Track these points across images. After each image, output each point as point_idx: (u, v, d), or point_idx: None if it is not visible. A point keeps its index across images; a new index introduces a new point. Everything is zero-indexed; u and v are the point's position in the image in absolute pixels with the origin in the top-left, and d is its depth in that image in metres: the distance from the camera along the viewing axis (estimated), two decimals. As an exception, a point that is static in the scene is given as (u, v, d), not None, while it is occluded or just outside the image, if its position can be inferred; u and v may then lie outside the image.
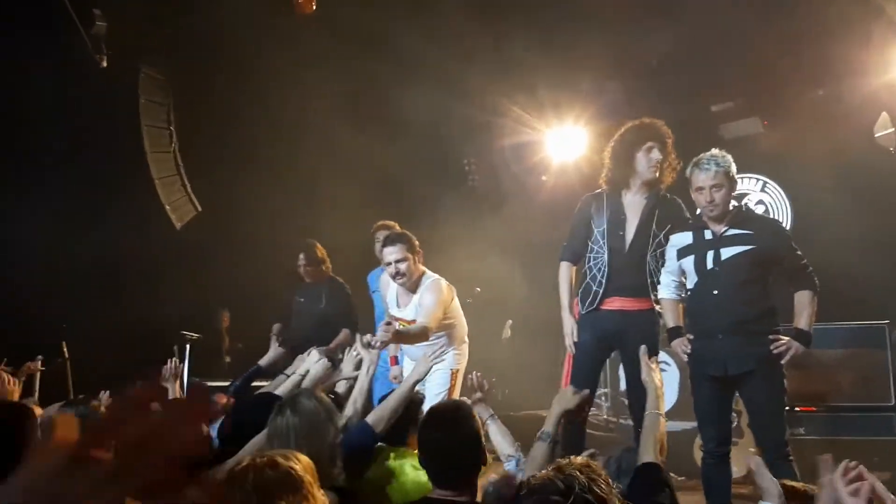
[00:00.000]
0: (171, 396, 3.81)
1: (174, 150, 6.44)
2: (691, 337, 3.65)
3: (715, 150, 3.54)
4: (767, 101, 7.13)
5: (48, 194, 5.67)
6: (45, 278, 5.54)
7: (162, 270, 5.91)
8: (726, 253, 3.50)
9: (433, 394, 4.12)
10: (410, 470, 2.70)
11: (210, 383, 5.06)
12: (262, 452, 1.94)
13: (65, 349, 5.60)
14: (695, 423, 5.84)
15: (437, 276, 4.32)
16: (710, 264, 3.51)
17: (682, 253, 3.64)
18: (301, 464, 1.84)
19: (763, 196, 7.21)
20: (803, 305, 3.48)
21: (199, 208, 6.50)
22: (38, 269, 5.56)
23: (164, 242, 6.19)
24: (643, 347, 3.08)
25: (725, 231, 3.52)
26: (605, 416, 6.43)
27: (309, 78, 6.28)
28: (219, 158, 6.44)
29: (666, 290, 3.76)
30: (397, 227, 5.11)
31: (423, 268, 4.26)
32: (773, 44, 6.54)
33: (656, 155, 3.76)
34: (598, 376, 4.07)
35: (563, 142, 7.66)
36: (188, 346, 5.26)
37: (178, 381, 3.91)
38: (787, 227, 7.04)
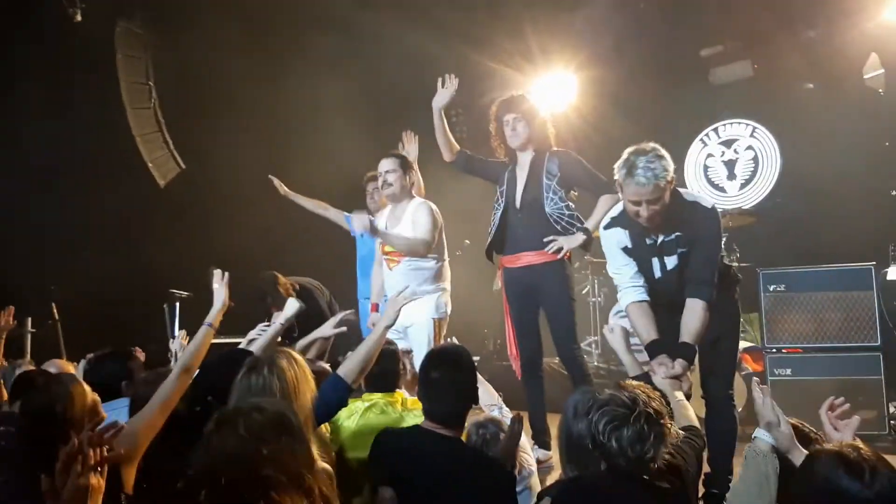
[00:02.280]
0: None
1: (154, 105, 6.30)
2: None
3: (650, 152, 2.90)
4: (758, 44, 7.03)
5: (27, 151, 5.56)
6: (29, 238, 5.48)
7: (148, 228, 5.85)
8: (671, 262, 3.11)
9: (419, 344, 4.12)
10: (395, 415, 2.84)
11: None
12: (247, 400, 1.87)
13: (55, 310, 5.57)
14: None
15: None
16: (657, 273, 3.15)
17: (628, 253, 3.21)
18: (294, 405, 1.83)
19: (752, 141, 7.16)
20: (694, 318, 2.99)
21: (183, 166, 6.39)
22: (22, 228, 5.49)
23: (148, 200, 6.10)
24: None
25: (664, 239, 3.09)
26: (595, 364, 6.50)
27: (291, 24, 6.13)
28: (201, 113, 6.29)
29: (629, 293, 3.20)
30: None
31: (413, 192, 4.36)
32: (763, -15, 6.43)
33: (517, 124, 4.10)
34: (536, 325, 4.25)
35: (552, 90, 7.54)
36: (178, 305, 5.23)
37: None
38: (776, 173, 7.04)
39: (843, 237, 5.57)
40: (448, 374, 2.48)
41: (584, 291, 7.10)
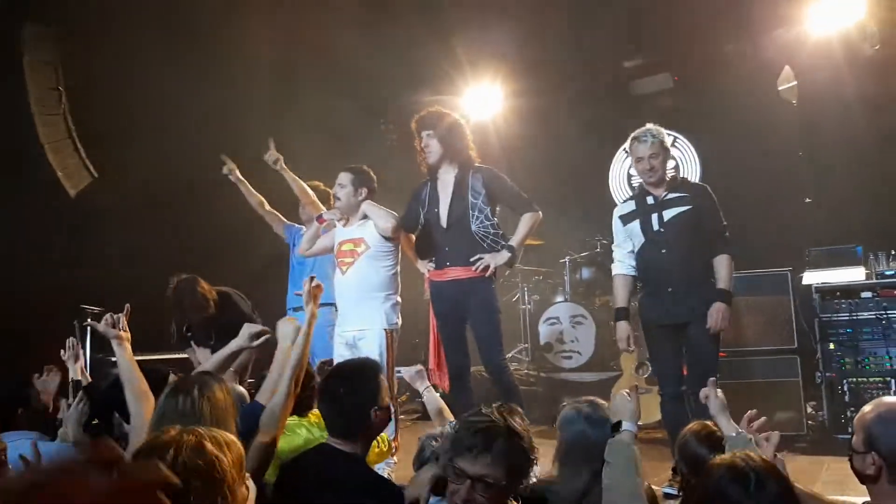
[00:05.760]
0: (71, 377, 3.62)
1: (64, 111, 5.98)
2: (634, 334, 4.15)
3: (650, 125, 4.01)
4: (678, 56, 7.24)
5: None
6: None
7: (56, 240, 5.53)
8: (668, 214, 3.93)
9: (371, 357, 3.99)
10: (305, 433, 2.80)
11: (114, 359, 4.80)
12: (192, 429, 1.67)
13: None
14: (609, 374, 6.07)
15: None
16: (655, 226, 3.95)
17: (627, 219, 4.08)
18: (231, 455, 1.62)
19: (673, 151, 7.33)
20: (722, 266, 3.88)
21: (95, 174, 6.08)
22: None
23: (56, 211, 5.77)
24: None
25: (665, 195, 3.95)
26: (525, 371, 6.51)
27: (214, 23, 5.93)
28: (115, 119, 6.00)
29: (619, 266, 4.17)
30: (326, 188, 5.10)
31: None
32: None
33: (427, 141, 4.20)
34: (464, 338, 4.31)
35: (480, 100, 7.59)
36: (89, 321, 4.93)
37: (78, 362, 3.73)
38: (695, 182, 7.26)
39: (760, 243, 5.75)
40: (343, 391, 2.45)
41: (514, 299, 7.12)
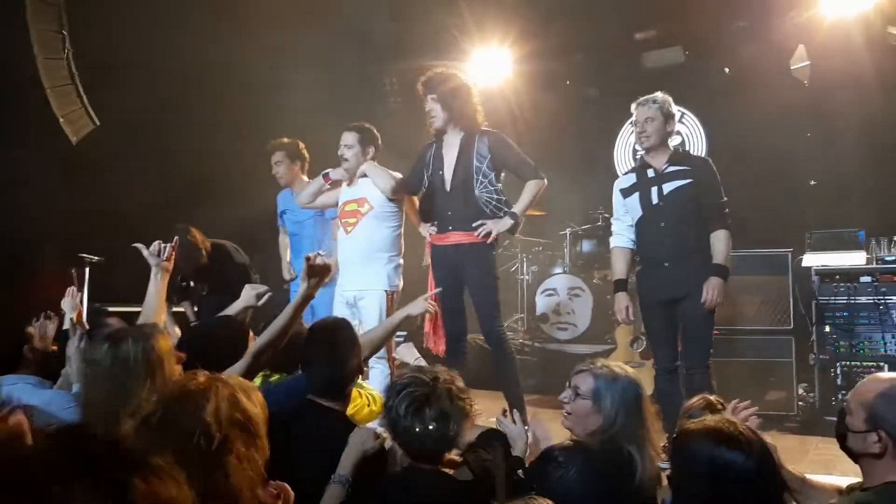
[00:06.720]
0: (66, 326, 3.62)
1: (68, 56, 5.87)
2: (630, 307, 4.08)
3: (658, 93, 3.96)
4: (690, 30, 7.13)
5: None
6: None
7: (56, 187, 5.47)
8: (668, 187, 3.88)
9: (371, 318, 4.05)
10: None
11: (111, 308, 4.79)
12: (220, 377, 1.56)
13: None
14: (603, 347, 6.09)
15: None
16: (654, 199, 3.91)
17: (627, 192, 4.04)
18: (257, 406, 1.55)
19: (680, 127, 7.28)
20: (720, 241, 3.84)
21: (98, 122, 6.00)
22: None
23: (57, 157, 5.71)
24: None
25: (666, 168, 3.91)
26: (520, 340, 6.54)
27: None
28: (119, 67, 5.90)
29: (617, 238, 4.15)
30: (286, 141, 5.13)
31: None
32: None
33: (431, 105, 4.14)
34: (461, 303, 4.28)
35: (487, 64, 7.48)
36: (87, 270, 4.92)
37: (77, 310, 3.73)
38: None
39: (762, 223, 5.74)
40: (319, 348, 2.55)
41: (512, 269, 7.13)
